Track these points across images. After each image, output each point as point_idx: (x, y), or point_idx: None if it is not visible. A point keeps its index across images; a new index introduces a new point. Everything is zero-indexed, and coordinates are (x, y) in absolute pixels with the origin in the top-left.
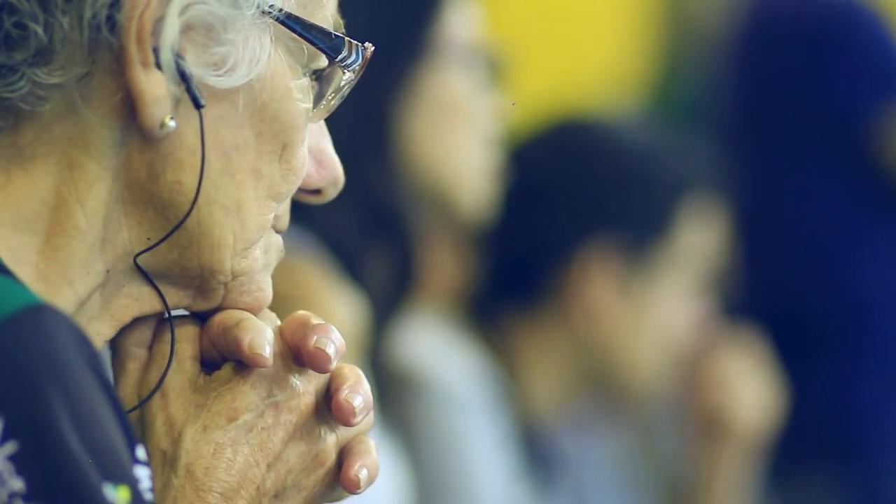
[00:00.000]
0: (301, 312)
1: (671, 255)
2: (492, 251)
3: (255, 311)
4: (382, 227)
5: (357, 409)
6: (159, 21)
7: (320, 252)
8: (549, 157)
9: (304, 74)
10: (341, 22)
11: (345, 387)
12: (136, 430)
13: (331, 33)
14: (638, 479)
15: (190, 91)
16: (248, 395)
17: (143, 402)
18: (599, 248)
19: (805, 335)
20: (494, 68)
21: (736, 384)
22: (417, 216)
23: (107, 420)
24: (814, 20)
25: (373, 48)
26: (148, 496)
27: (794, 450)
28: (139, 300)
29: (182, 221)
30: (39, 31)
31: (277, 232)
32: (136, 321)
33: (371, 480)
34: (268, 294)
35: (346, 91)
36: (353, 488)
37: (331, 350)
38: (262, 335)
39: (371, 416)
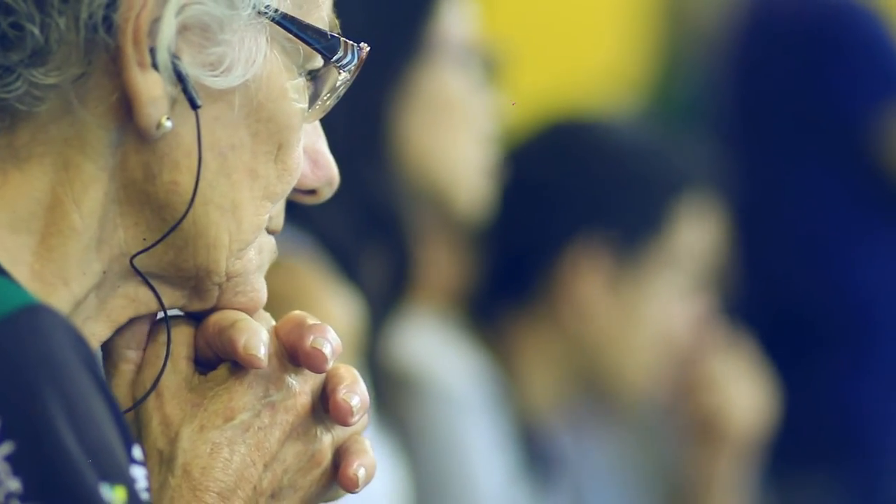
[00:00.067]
0: (297, 312)
1: (664, 254)
2: (488, 250)
3: (250, 312)
4: (378, 227)
5: (354, 409)
6: (156, 21)
7: (317, 252)
8: (540, 155)
9: (300, 74)
10: (337, 22)
11: (342, 387)
12: (132, 430)
13: (326, 33)
14: (637, 480)
15: (186, 91)
16: (244, 394)
17: (139, 402)
18: (589, 245)
19: (804, 335)
20: (490, 67)
21: (731, 387)
22: (413, 216)
23: (103, 420)
24: (813, 20)
25: (368, 48)
26: (144, 496)
27: (794, 450)
28: (135, 301)
29: (179, 222)
30: (36, 31)
31: (272, 232)
32: (129, 323)
33: (369, 479)
34: (262, 295)
35: (341, 91)
36: (351, 487)
37: (327, 350)
38: (256, 336)
39: (367, 416)
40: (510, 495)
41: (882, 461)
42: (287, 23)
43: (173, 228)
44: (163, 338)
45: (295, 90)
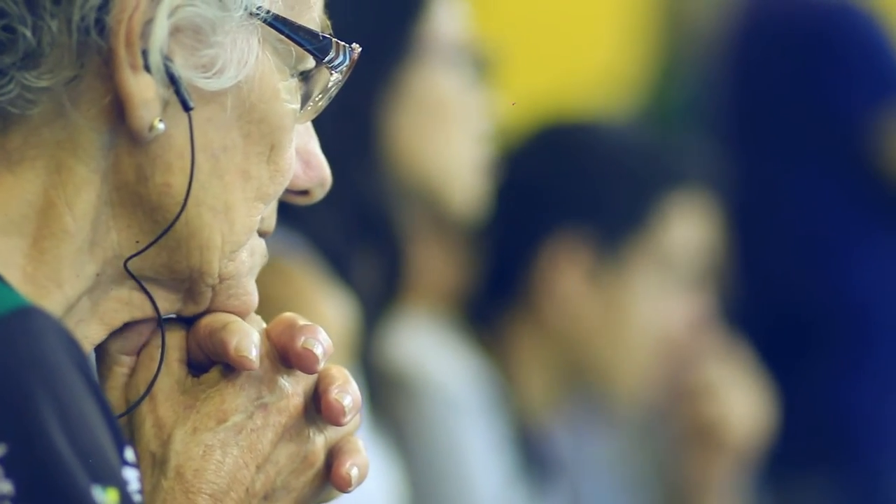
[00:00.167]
0: (288, 314)
1: (649, 250)
2: (481, 250)
3: (242, 315)
4: (369, 228)
5: (347, 409)
6: (148, 24)
7: (309, 254)
8: (527, 154)
9: (292, 75)
10: (328, 23)
11: (334, 387)
12: (124, 432)
13: (318, 34)
14: (634, 480)
15: (179, 93)
16: (237, 396)
17: (133, 407)
18: (567, 239)
19: (801, 337)
20: (482, 66)
21: (729, 394)
22: (407, 216)
23: (95, 422)
24: (810, 22)
25: (360, 49)
26: (137, 498)
27: (791, 452)
28: (129, 304)
29: (172, 224)
30: (28, 34)
31: (264, 233)
32: (124, 328)
33: (361, 479)
34: (254, 298)
35: (333, 92)
36: (344, 486)
37: (318, 350)
38: (248, 338)
39: (358, 416)
40: (507, 497)
41: (880, 463)
42: (279, 24)
43: (166, 230)
44: (156, 341)
45: (287, 91)
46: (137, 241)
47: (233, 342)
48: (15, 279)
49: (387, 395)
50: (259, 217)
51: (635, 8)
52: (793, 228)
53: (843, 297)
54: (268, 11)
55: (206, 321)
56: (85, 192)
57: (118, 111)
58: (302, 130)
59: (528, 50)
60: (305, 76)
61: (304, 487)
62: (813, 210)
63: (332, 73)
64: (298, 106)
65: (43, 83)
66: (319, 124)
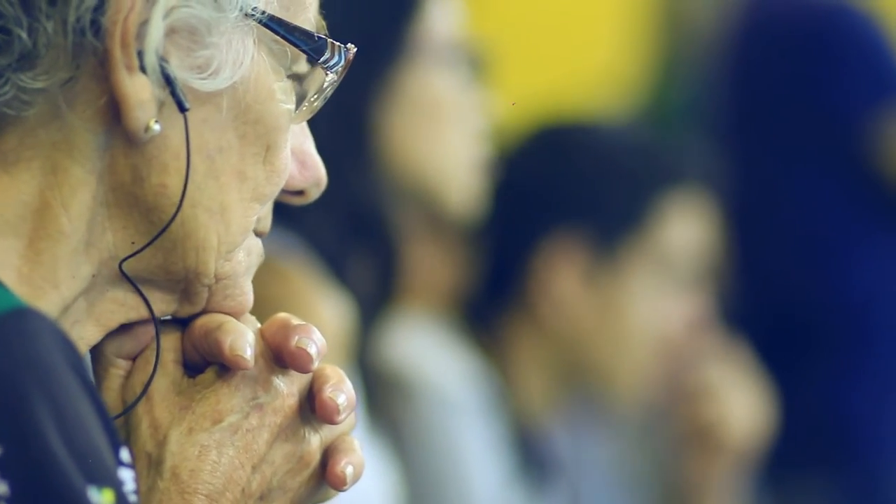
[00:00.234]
0: (282, 314)
1: (647, 250)
2: (477, 250)
3: (237, 315)
4: (365, 229)
5: (341, 407)
6: (143, 25)
7: (305, 255)
8: (523, 155)
9: (287, 76)
10: (323, 23)
11: (328, 385)
12: (120, 433)
13: (313, 35)
14: (633, 481)
15: (174, 94)
16: (232, 397)
17: (130, 408)
18: (562, 239)
19: (801, 338)
20: (477, 66)
21: (729, 396)
22: (402, 216)
23: (91, 423)
24: (809, 23)
25: (355, 49)
26: (132, 498)
27: (791, 453)
28: (125, 305)
29: (168, 224)
30: (24, 35)
31: (260, 234)
32: (120, 331)
33: (357, 477)
34: (250, 298)
35: (328, 92)
36: (339, 485)
37: (312, 350)
38: (242, 338)
39: (353, 416)
40: (505, 498)
41: (879, 464)
42: (274, 25)
43: (162, 231)
44: (152, 342)
45: (282, 92)
46: (133, 242)
47: (227, 342)
48: (10, 280)
49: (384, 395)
50: (255, 217)
51: (635, 8)
52: (792, 228)
53: (843, 298)
54: (263, 12)
55: (202, 322)
56: (80, 193)
57: (114, 112)
58: (297, 131)
59: (527, 49)
60: (301, 77)
61: (299, 487)
62: (812, 210)
63: (327, 74)
64: (294, 106)
65: (39, 84)
66: (315, 124)
